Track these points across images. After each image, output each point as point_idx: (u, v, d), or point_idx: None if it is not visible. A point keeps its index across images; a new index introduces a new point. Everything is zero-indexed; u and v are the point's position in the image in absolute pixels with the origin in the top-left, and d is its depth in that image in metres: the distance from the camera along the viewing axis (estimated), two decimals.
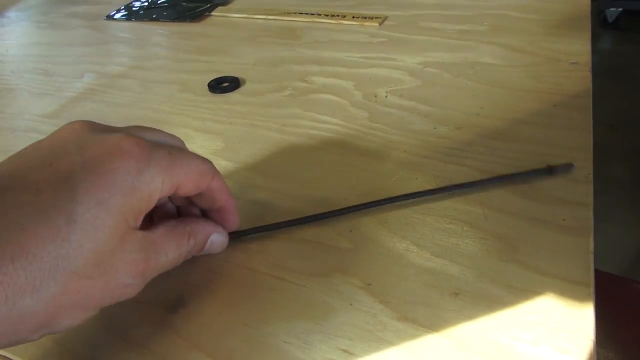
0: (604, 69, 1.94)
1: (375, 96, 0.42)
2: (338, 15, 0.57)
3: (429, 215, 0.29)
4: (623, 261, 1.24)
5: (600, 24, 2.23)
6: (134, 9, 0.68)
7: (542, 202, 0.29)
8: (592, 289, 0.24)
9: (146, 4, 0.69)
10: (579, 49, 0.45)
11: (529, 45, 0.46)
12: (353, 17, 0.56)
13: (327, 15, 0.57)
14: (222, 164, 0.36)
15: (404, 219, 0.29)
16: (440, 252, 0.27)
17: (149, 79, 0.49)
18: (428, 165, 0.33)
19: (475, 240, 0.27)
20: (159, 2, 0.69)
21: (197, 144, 0.38)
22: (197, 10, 0.63)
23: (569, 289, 0.24)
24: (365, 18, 0.56)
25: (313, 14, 0.58)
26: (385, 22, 0.55)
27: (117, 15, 0.66)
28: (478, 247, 0.27)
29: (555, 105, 0.38)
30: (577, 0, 0.54)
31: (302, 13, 0.59)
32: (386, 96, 0.41)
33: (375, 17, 0.55)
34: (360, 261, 0.27)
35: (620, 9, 2.17)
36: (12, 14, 0.73)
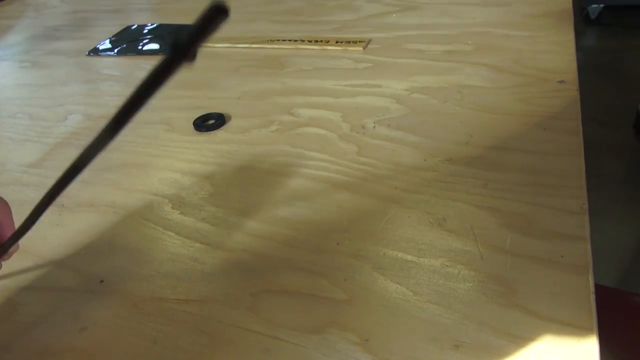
0: (591, 66, 1.95)
1: (363, 127, 0.41)
2: (322, 41, 0.56)
3: (424, 258, 0.29)
4: (622, 260, 1.23)
5: (583, 21, 2.24)
6: (116, 42, 0.67)
7: (538, 237, 0.29)
8: (595, 332, 0.24)
9: (129, 37, 0.68)
10: (565, 65, 0.44)
11: (515, 65, 0.46)
12: (337, 42, 0.56)
13: (311, 41, 0.57)
14: (211, 211, 0.35)
15: (398, 263, 0.29)
16: (437, 299, 0.26)
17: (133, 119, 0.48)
18: (420, 201, 0.33)
19: (473, 283, 0.27)
20: (143, 32, 0.68)
21: (185, 190, 0.37)
22: None
23: (571, 333, 0.24)
24: (349, 42, 0.55)
25: (296, 40, 0.58)
26: (370, 46, 0.54)
27: (101, 50, 0.65)
28: (476, 291, 0.26)
29: (545, 129, 0.37)
30: (561, 13, 0.54)
31: (285, 40, 0.58)
32: (374, 127, 0.41)
33: (359, 41, 0.55)
34: (356, 314, 0.26)
35: (602, 5, 2.18)
36: None
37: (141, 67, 0.59)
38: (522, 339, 0.24)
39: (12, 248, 0.27)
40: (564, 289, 0.26)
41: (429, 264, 0.28)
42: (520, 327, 0.24)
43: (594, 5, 2.19)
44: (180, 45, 0.11)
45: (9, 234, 0.27)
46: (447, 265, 0.28)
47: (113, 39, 0.68)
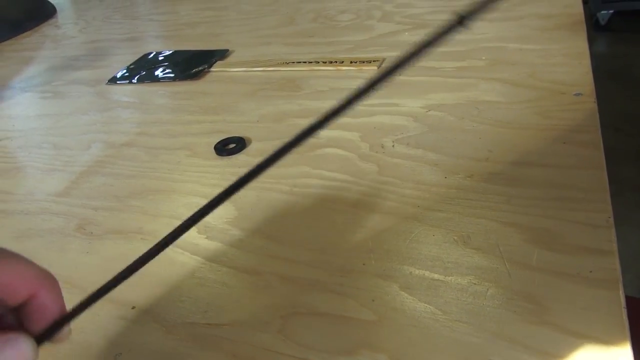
0: (603, 72, 1.94)
1: (382, 147, 0.41)
2: (336, 62, 0.57)
3: (451, 276, 0.29)
4: None
5: (593, 27, 2.24)
6: (133, 70, 0.69)
7: (565, 252, 0.29)
8: (629, 347, 0.24)
9: (146, 64, 0.70)
10: (581, 78, 0.45)
11: (530, 79, 0.46)
12: (351, 62, 0.56)
13: (325, 62, 0.58)
14: (236, 234, 0.35)
15: (425, 282, 0.29)
16: (467, 318, 0.26)
17: (155, 145, 0.49)
18: (444, 219, 0.33)
19: (502, 301, 0.27)
20: (159, 60, 0.70)
21: (211, 215, 0.38)
22: (197, 69, 0.64)
23: (604, 349, 0.24)
24: (364, 62, 0.56)
25: (311, 62, 0.59)
26: (384, 64, 0.55)
27: (119, 78, 0.67)
28: (506, 309, 0.26)
29: (565, 143, 0.37)
30: (573, 25, 0.54)
31: (300, 62, 0.59)
32: (393, 146, 0.41)
33: (373, 60, 0.56)
34: (386, 334, 0.26)
35: (611, 11, 2.18)
36: (15, 85, 0.74)
37: (159, 94, 0.61)
38: (555, 357, 0.24)
39: (64, 332, 0.23)
40: (594, 305, 0.26)
41: (456, 282, 0.28)
42: (552, 344, 0.24)
43: (603, 12, 2.18)
44: (464, 16, 0.15)
45: (53, 312, 0.22)
46: (475, 283, 0.28)
47: (131, 67, 0.70)
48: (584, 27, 0.54)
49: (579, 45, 0.50)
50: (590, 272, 0.27)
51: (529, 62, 0.49)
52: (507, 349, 0.24)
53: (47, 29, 1.00)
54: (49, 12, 1.07)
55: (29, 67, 0.80)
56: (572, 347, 0.24)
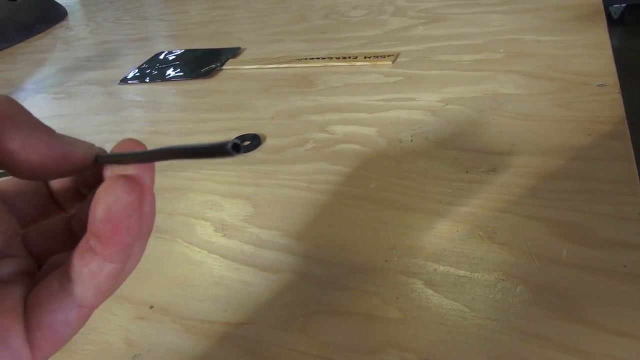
0: (617, 67, 1.91)
1: (400, 141, 0.41)
2: (349, 57, 0.57)
3: (477, 272, 0.28)
4: None
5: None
6: (145, 70, 0.68)
7: (596, 246, 0.28)
8: None
9: (157, 64, 0.70)
10: (603, 68, 0.44)
11: (550, 70, 0.45)
12: (365, 57, 0.56)
13: (339, 58, 0.57)
14: (253, 232, 0.35)
15: (451, 279, 0.28)
16: (496, 315, 0.25)
17: (169, 143, 0.49)
18: (467, 214, 0.32)
19: (531, 297, 0.26)
20: (170, 59, 0.70)
21: (226, 212, 0.37)
22: (209, 67, 0.64)
23: None
24: (378, 57, 0.55)
25: (324, 58, 0.58)
26: (398, 59, 0.54)
27: (131, 78, 0.67)
28: (536, 305, 0.25)
29: (589, 134, 0.36)
30: (592, 16, 0.53)
31: (313, 58, 0.59)
32: (411, 140, 0.40)
33: (388, 55, 0.55)
34: (412, 332, 0.26)
35: (624, 5, 2.15)
36: (28, 86, 0.75)
37: (171, 93, 0.60)
38: (590, 355, 0.23)
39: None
40: (629, 300, 0.25)
41: (483, 278, 0.28)
42: (587, 341, 0.23)
43: (615, 5, 2.15)
44: (237, 147, 0.12)
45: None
46: (503, 280, 0.27)
47: (142, 66, 0.70)
48: (603, 17, 0.53)
49: (599, 35, 0.49)
50: (624, 266, 0.26)
51: (547, 53, 0.48)
52: (539, 347, 0.24)
53: (58, 31, 1.00)
54: (60, 15, 1.07)
55: (41, 69, 0.80)
56: (608, 345, 0.23)
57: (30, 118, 0.15)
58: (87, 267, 0.15)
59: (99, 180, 0.16)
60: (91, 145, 0.17)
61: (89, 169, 0.16)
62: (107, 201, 0.14)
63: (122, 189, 0.14)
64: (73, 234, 0.18)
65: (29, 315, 0.15)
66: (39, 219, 0.18)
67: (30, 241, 0.18)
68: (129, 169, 0.15)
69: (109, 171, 0.16)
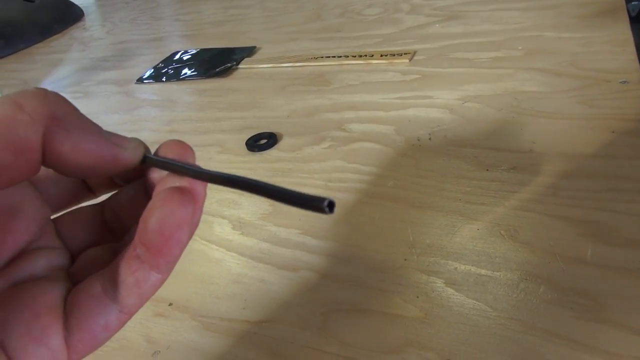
0: None
1: (419, 140, 0.40)
2: (366, 55, 0.56)
3: (499, 271, 0.28)
4: None
5: None
6: (161, 69, 0.69)
7: (622, 246, 0.27)
8: None
9: (173, 63, 0.70)
10: (626, 65, 0.43)
11: (572, 67, 0.44)
12: (381, 56, 0.55)
13: (355, 56, 0.57)
14: (272, 230, 0.35)
15: (472, 278, 0.28)
16: (519, 315, 0.25)
17: (186, 142, 0.49)
18: (488, 213, 0.31)
19: (556, 297, 0.25)
20: (185, 59, 0.70)
21: (244, 210, 0.37)
22: (224, 66, 0.64)
23: None
24: (394, 55, 0.55)
25: (340, 57, 0.58)
26: (415, 57, 0.54)
27: (147, 77, 0.67)
28: (561, 306, 0.25)
29: (613, 132, 0.36)
30: (614, 12, 0.52)
31: (329, 57, 0.58)
32: (430, 138, 0.40)
33: (405, 53, 0.55)
34: (433, 332, 0.25)
35: None
36: (46, 85, 0.75)
37: (187, 92, 0.61)
38: (616, 356, 0.22)
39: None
40: None
41: (505, 278, 0.27)
42: (612, 342, 0.23)
43: (634, 2, 2.11)
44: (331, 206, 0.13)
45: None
46: (526, 279, 0.27)
47: (158, 66, 0.70)
48: (625, 13, 0.52)
49: (622, 31, 0.48)
50: None
51: (569, 50, 0.47)
52: (565, 348, 0.23)
53: (75, 31, 1.01)
54: (77, 16, 1.09)
55: (58, 69, 0.81)
56: (634, 346, 0.22)
57: (79, 118, 0.15)
58: (133, 276, 0.15)
59: (136, 173, 0.17)
60: (138, 145, 0.17)
61: (135, 168, 0.16)
62: (161, 214, 0.14)
63: (178, 202, 0.15)
64: (105, 224, 0.18)
65: (68, 315, 0.15)
66: (70, 203, 0.18)
67: (63, 232, 0.17)
68: (184, 181, 0.16)
69: (162, 182, 0.16)
